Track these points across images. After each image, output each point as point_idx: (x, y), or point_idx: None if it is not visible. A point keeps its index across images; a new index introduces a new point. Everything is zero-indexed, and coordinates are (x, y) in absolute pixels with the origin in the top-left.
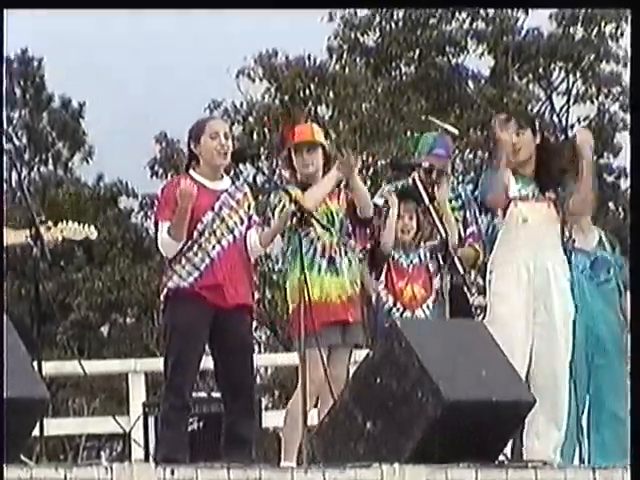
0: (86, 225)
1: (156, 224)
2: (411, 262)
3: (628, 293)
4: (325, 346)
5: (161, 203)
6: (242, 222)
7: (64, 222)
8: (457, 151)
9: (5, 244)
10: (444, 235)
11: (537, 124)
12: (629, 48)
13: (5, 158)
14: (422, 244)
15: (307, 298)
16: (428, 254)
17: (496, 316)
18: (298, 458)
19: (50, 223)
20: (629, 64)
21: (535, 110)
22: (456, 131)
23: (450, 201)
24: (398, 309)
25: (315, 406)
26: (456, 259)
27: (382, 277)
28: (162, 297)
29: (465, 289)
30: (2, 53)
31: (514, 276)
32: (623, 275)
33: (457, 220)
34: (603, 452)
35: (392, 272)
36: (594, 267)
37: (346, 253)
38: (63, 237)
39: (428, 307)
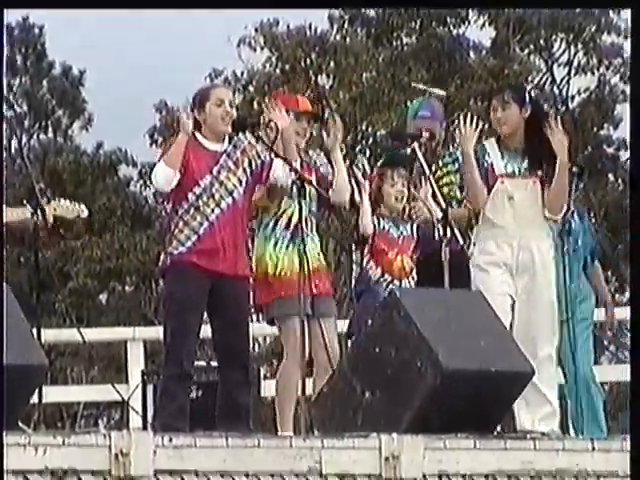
0: (76, 203)
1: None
2: (401, 233)
3: (596, 262)
4: (288, 316)
5: (163, 151)
6: (241, 183)
7: (56, 199)
8: (457, 121)
9: (6, 219)
10: (444, 205)
11: (526, 98)
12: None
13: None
14: (412, 217)
15: (306, 269)
16: (415, 229)
17: (474, 287)
18: (295, 427)
19: (43, 201)
20: (630, 63)
21: (536, 81)
22: (442, 92)
23: (447, 165)
24: (386, 280)
25: (309, 375)
26: (455, 230)
27: (367, 248)
28: (160, 263)
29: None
30: (2, 53)
31: (496, 252)
32: (590, 242)
33: (453, 182)
34: (581, 421)
35: (382, 242)
36: (562, 236)
37: (312, 228)
38: (55, 216)
39: (413, 278)
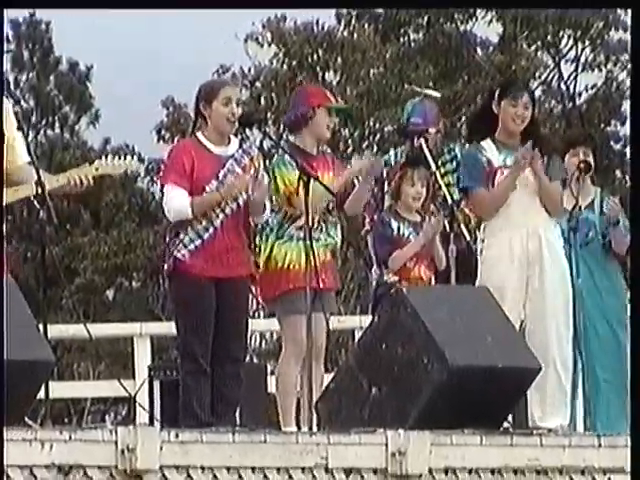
0: (125, 158)
1: (162, 186)
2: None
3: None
4: (291, 312)
5: (168, 166)
6: (246, 189)
7: (101, 158)
8: (464, 117)
9: (9, 200)
10: (450, 201)
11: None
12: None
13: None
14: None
15: (313, 262)
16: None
17: (485, 283)
18: (297, 422)
19: (86, 164)
20: (630, 63)
21: (543, 77)
22: (437, 94)
23: (445, 164)
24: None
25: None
26: (462, 225)
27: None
28: (165, 266)
29: (471, 255)
30: (2, 53)
31: (507, 243)
32: (616, 233)
33: (451, 184)
34: (598, 419)
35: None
36: (575, 228)
37: (325, 225)
38: (95, 177)
39: (430, 284)
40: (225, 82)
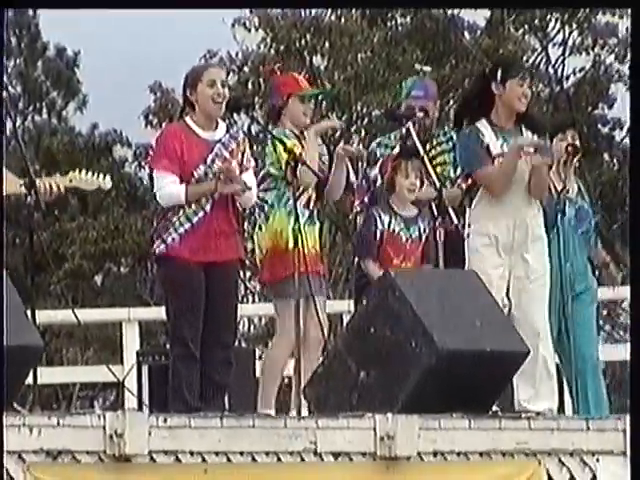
0: (98, 175)
1: (151, 171)
2: (410, 236)
3: (599, 245)
4: (299, 295)
5: (156, 152)
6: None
7: (75, 171)
8: (452, 102)
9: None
10: (438, 185)
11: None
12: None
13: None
14: (422, 214)
15: (302, 246)
16: (427, 226)
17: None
18: (280, 406)
19: (57, 174)
20: (629, 61)
21: (531, 61)
22: (427, 68)
23: (441, 144)
24: None
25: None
26: (450, 209)
27: (374, 250)
28: (157, 250)
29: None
30: (2, 52)
31: (492, 231)
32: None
33: (447, 162)
34: (589, 400)
35: (390, 247)
36: (578, 217)
37: (324, 208)
38: (67, 188)
39: None
40: (209, 65)
